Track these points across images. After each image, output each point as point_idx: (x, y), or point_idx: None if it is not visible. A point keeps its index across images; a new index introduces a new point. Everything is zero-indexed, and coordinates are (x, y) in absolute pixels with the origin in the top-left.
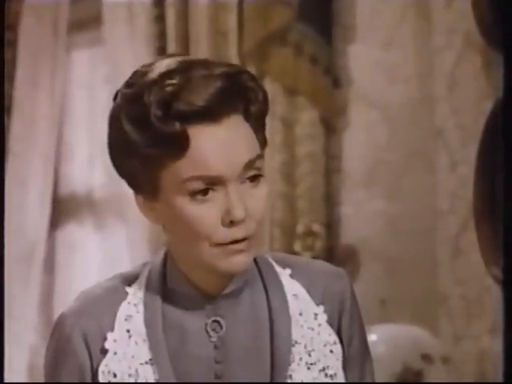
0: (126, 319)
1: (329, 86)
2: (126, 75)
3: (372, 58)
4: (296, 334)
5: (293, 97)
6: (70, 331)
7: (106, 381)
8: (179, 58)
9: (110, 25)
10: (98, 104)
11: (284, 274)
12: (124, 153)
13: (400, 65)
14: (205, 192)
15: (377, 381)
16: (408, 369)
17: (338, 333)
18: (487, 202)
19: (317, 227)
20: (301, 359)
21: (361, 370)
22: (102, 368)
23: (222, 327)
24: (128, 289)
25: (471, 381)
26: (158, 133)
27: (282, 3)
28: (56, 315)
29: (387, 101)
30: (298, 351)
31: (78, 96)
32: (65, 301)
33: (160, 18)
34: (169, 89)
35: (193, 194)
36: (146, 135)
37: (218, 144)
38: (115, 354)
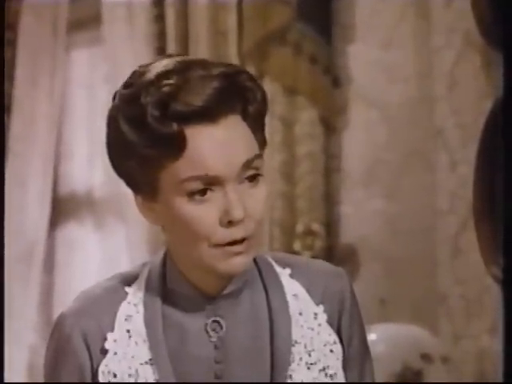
0: (125, 319)
1: (328, 86)
2: (126, 75)
3: (371, 57)
4: (296, 333)
5: (292, 96)
6: (69, 331)
7: (106, 381)
8: (177, 59)
9: (110, 24)
10: (97, 103)
11: (284, 274)
12: (122, 153)
13: (399, 64)
14: (203, 192)
15: (376, 380)
16: (408, 368)
17: (338, 332)
18: (487, 201)
19: (316, 226)
20: (301, 359)
21: (361, 369)
22: (101, 368)
23: (221, 327)
24: (128, 289)
25: (471, 380)
26: (155, 133)
27: (282, 3)
28: (56, 315)
29: (387, 100)
30: (297, 351)
31: (77, 95)
32: (64, 300)
33: (159, 18)
34: (166, 89)
35: (191, 195)
36: (144, 136)
37: (216, 144)
38: (115, 354)
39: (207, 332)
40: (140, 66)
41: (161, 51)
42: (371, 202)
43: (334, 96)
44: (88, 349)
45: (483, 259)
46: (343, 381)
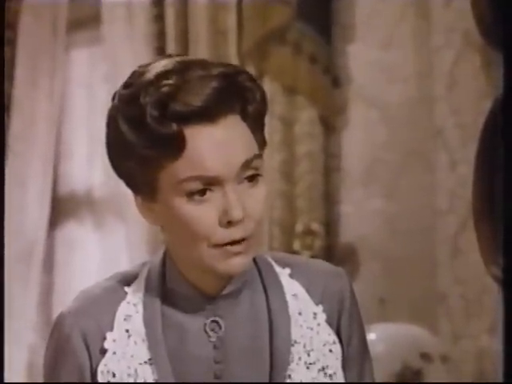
0: (125, 319)
1: (328, 86)
2: (126, 74)
3: (371, 57)
4: (295, 333)
5: (292, 96)
6: (69, 331)
7: (105, 381)
8: (177, 59)
9: (110, 24)
10: (97, 103)
11: (283, 274)
12: (121, 154)
13: (399, 64)
14: (202, 192)
15: (376, 380)
16: (407, 368)
17: (338, 332)
18: (486, 201)
19: (316, 226)
20: (300, 359)
21: (360, 369)
22: (101, 368)
23: (221, 327)
24: (127, 288)
25: (470, 380)
26: (155, 133)
27: (281, 2)
28: (55, 315)
29: (386, 100)
30: (297, 351)
31: (77, 95)
32: (64, 300)
33: (159, 18)
34: (165, 89)
35: (190, 195)
36: (143, 136)
37: (215, 144)
38: (114, 353)
39: (206, 332)
40: (139, 66)
41: (160, 51)
42: (371, 202)
43: (334, 96)
44: (87, 348)
45: (483, 259)
46: (342, 381)
